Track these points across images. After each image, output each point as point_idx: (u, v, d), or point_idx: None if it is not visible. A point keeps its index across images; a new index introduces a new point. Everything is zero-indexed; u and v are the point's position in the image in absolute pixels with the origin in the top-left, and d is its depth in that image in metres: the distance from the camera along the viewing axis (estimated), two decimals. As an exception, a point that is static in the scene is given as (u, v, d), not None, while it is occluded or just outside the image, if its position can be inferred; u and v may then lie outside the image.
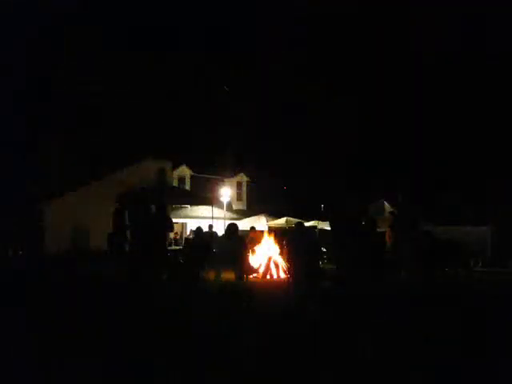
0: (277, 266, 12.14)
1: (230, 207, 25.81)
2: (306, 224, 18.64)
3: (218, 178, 29.54)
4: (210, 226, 15.32)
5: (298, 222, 10.41)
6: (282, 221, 22.91)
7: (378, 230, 10.50)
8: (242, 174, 31.07)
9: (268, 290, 9.36)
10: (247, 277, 10.22)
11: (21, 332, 5.14)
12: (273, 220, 23.62)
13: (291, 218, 22.57)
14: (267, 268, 12.12)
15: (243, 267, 9.26)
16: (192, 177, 28.75)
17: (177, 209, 24.04)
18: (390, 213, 11.86)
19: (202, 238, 11.27)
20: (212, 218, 19.27)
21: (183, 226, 25.81)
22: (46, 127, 25.12)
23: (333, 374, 3.73)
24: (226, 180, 29.66)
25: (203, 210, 23.13)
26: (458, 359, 4.19)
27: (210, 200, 21.35)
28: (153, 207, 10.44)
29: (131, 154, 25.22)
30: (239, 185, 31.19)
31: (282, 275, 11.87)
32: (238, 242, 9.08)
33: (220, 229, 17.26)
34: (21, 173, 20.78)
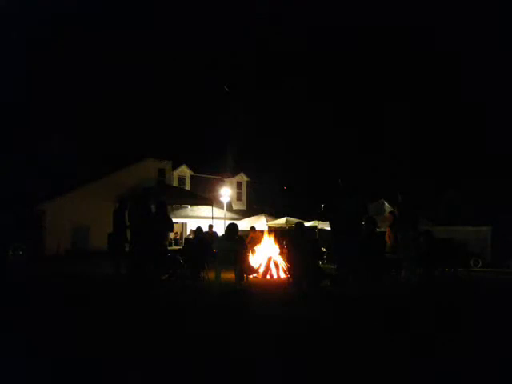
0: (277, 266, 12.15)
1: (229, 207, 25.82)
2: (306, 224, 18.67)
3: (217, 178, 29.56)
4: (210, 226, 15.33)
5: (298, 222, 10.41)
6: (282, 221, 22.91)
7: (378, 229, 10.52)
8: (242, 174, 31.08)
9: (268, 290, 9.36)
10: (247, 277, 10.22)
11: (20, 334, 5.14)
12: (273, 220, 23.62)
13: (291, 218, 22.57)
14: (267, 268, 12.12)
15: (243, 267, 9.26)
16: (192, 177, 28.76)
17: (177, 209, 24.05)
18: (390, 213, 11.84)
19: (202, 238, 11.27)
20: (212, 217, 19.29)
21: (183, 226, 25.82)
22: (46, 126, 25.15)
23: (333, 374, 3.73)
24: (226, 180, 29.67)
25: (203, 210, 23.14)
26: (457, 359, 4.19)
27: (209, 200, 21.37)
28: (153, 207, 10.45)
29: (131, 153, 25.26)
30: (239, 185, 31.20)
31: (282, 275, 11.87)
32: (238, 242, 9.08)
33: (220, 229, 17.27)
34: (21, 173, 20.77)
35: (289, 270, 10.29)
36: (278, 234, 16.16)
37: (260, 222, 22.71)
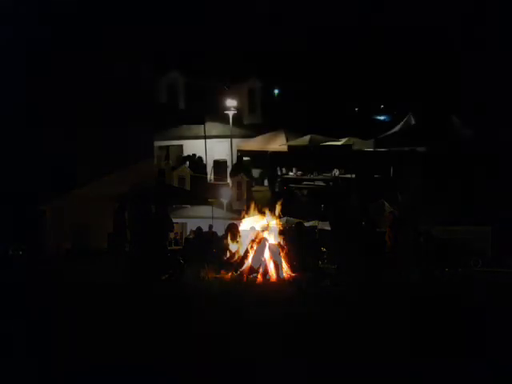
0: (277, 266, 12.12)
1: (230, 207, 25.79)
2: (306, 224, 18.65)
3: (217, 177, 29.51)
4: (210, 226, 15.32)
5: (298, 222, 10.43)
6: (282, 221, 22.84)
7: (378, 230, 10.53)
8: (241, 174, 31.01)
9: (268, 290, 9.36)
10: (247, 277, 10.22)
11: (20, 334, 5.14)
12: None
13: (291, 218, 22.51)
14: (267, 268, 12.10)
15: (243, 267, 9.27)
16: (192, 177, 28.69)
17: (177, 209, 24.01)
18: (390, 213, 11.85)
19: (202, 238, 11.28)
20: (212, 218, 19.28)
21: (183, 226, 25.77)
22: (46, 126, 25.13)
23: (332, 374, 3.73)
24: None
25: (203, 210, 23.12)
26: (457, 359, 4.19)
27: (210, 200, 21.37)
28: (153, 207, 10.46)
29: (131, 153, 25.20)
30: (239, 184, 31.13)
31: (282, 275, 11.85)
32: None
33: (220, 229, 17.24)
34: (21, 172, 20.74)
35: (289, 270, 10.29)
36: (278, 233, 16.11)
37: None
